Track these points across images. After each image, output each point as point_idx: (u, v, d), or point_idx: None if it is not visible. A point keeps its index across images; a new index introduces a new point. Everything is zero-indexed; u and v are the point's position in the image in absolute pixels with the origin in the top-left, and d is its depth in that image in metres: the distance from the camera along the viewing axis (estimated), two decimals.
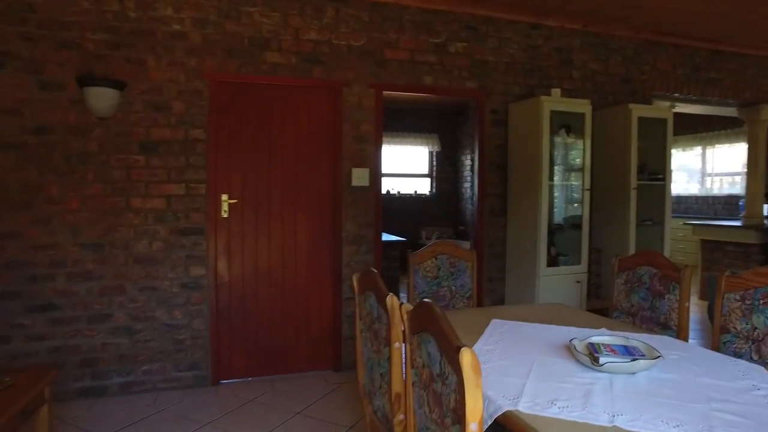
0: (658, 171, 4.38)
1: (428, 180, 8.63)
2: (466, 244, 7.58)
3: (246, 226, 3.59)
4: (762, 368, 1.72)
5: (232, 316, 3.56)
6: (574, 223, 4.14)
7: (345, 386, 3.50)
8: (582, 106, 3.98)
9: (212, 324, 3.46)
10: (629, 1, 3.95)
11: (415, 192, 8.49)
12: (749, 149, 5.76)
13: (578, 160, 4.11)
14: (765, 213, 5.84)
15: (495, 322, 2.27)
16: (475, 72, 4.11)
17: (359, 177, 3.81)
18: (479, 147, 4.21)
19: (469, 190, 8.03)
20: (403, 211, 8.14)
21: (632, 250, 4.26)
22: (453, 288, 2.89)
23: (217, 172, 3.47)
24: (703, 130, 7.66)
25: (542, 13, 4.18)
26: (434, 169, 8.56)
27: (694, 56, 5.01)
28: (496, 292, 4.27)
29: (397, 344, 1.64)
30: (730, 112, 5.94)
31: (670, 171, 4.40)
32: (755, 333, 1.92)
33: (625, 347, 1.77)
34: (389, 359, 1.67)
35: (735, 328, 1.99)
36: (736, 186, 7.65)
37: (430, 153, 8.56)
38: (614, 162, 4.27)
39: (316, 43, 3.64)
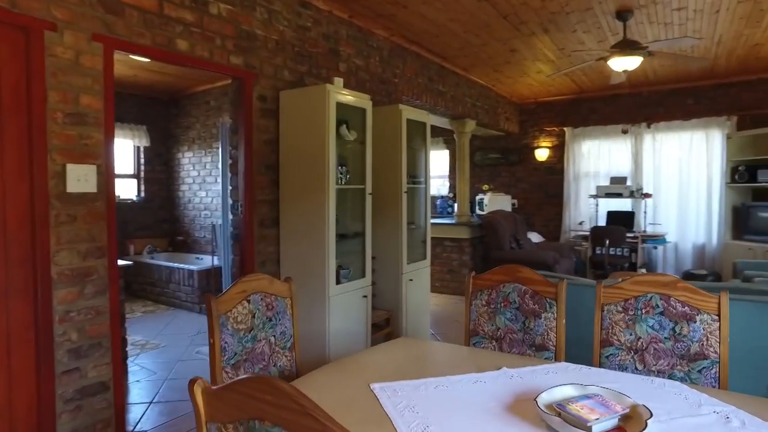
0: (417, 174, 4.44)
1: (134, 182, 6.90)
2: (191, 258, 6.35)
3: None
4: (678, 383, 1.64)
5: None
6: (355, 232, 3.76)
7: None
8: (364, 101, 3.61)
9: None
10: None
11: (119, 197, 6.64)
12: (458, 156, 6.66)
13: (358, 161, 3.73)
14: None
15: (380, 389, 1.60)
16: (241, 46, 3.21)
17: (81, 178, 2.42)
18: (245, 142, 3.33)
19: (188, 194, 6.77)
20: None
21: (405, 256, 4.19)
22: (272, 339, 2.02)
23: None
24: None
25: None
26: (142, 168, 6.89)
27: (429, 68, 5.37)
28: None
29: None
30: (444, 123, 6.74)
31: (429, 175, 4.53)
32: (639, 343, 1.87)
33: (590, 398, 1.40)
34: None
35: (619, 340, 1.90)
36: (433, 188, 8.91)
37: (136, 149, 6.86)
38: (384, 164, 4.09)
39: None
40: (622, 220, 6.71)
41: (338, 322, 3.37)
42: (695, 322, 1.78)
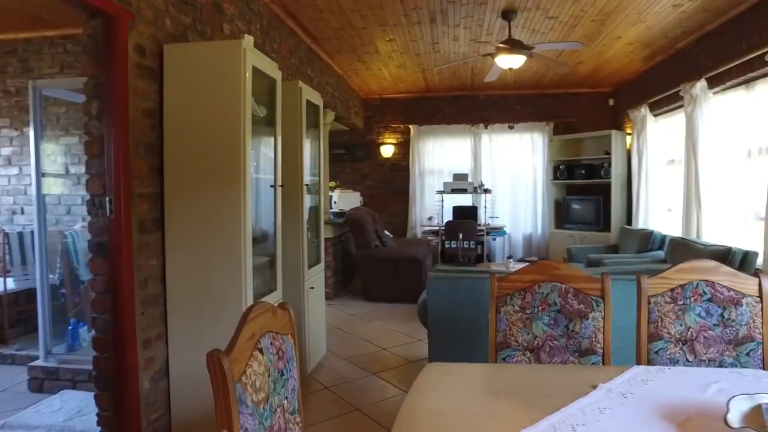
0: (311, 165, 3.85)
1: None
2: None
3: None
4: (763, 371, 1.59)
5: None
6: (262, 234, 3.02)
7: None
8: (274, 70, 2.90)
9: None
10: None
11: None
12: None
13: (268, 147, 3.00)
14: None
15: None
16: None
17: None
18: (118, 110, 2.32)
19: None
20: None
21: (306, 260, 3.57)
22: (285, 404, 1.33)
23: None
24: None
25: None
26: None
27: (300, 48, 4.78)
28: (157, 361, 2.53)
29: None
30: None
31: (326, 167, 3.97)
32: (688, 333, 1.78)
33: None
34: None
35: (669, 332, 1.78)
36: None
37: None
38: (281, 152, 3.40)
39: None
40: (467, 215, 7.14)
41: None
42: (742, 305, 1.76)
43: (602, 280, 1.82)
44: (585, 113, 7.29)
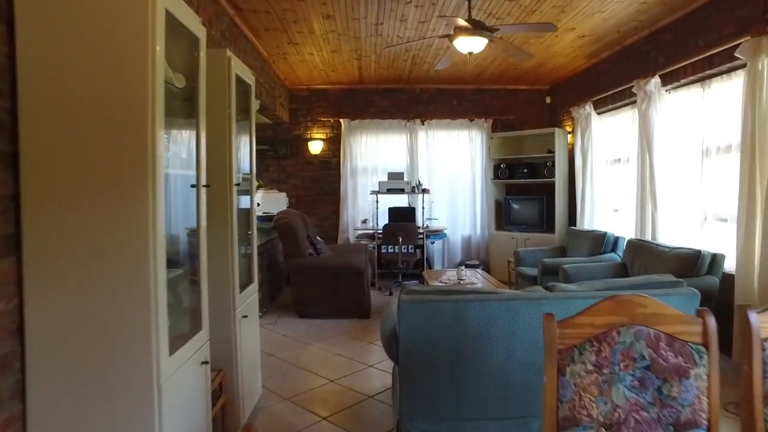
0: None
1: None
2: None
3: None
4: None
5: None
6: (177, 252, 2.19)
7: None
8: (195, 24, 2.09)
9: None
10: None
11: None
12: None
13: (185, 131, 2.18)
14: None
15: None
16: None
17: None
18: None
19: None
20: None
21: (237, 282, 2.76)
22: None
23: None
24: None
25: None
26: None
27: (221, 20, 3.91)
28: None
29: None
30: None
31: (255, 161, 3.18)
32: None
33: None
34: None
35: None
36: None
37: None
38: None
39: None
40: (405, 217, 6.59)
41: (175, 424, 1.81)
42: None
43: (704, 320, 1.29)
44: (523, 110, 7.06)
